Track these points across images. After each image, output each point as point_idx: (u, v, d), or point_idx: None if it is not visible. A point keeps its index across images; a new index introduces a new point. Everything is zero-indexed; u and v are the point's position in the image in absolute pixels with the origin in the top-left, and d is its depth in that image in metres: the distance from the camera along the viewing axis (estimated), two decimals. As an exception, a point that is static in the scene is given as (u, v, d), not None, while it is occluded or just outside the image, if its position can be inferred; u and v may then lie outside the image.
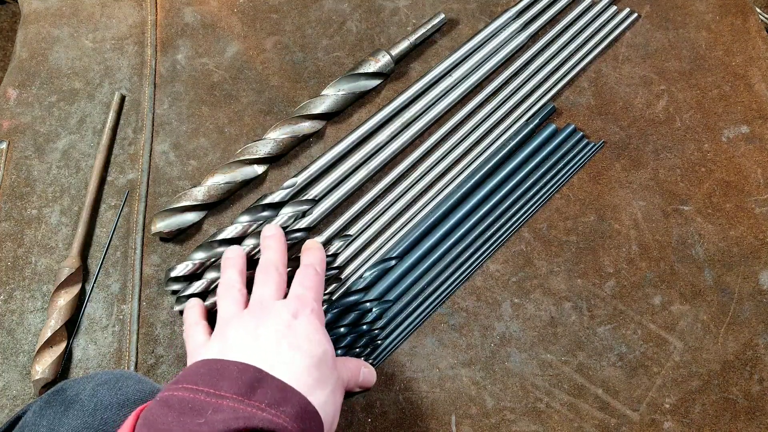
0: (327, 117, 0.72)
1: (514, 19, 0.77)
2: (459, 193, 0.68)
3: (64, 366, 0.61)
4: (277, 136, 0.69)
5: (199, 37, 0.78)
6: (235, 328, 0.49)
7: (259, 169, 0.69)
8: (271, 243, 0.59)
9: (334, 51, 0.77)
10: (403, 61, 0.76)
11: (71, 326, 0.63)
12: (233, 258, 0.59)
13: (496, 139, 0.71)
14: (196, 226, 0.67)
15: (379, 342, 0.61)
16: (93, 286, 0.65)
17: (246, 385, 0.40)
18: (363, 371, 0.57)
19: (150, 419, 0.37)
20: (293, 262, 0.63)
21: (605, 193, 0.70)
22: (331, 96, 0.71)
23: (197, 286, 0.61)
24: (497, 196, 0.68)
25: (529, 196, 0.68)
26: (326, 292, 0.63)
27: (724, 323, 0.64)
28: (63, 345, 0.61)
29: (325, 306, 0.62)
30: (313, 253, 0.59)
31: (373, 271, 0.64)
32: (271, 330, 0.47)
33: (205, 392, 0.38)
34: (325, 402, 0.45)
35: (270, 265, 0.56)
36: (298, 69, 0.76)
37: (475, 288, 0.65)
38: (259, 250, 0.63)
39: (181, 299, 0.61)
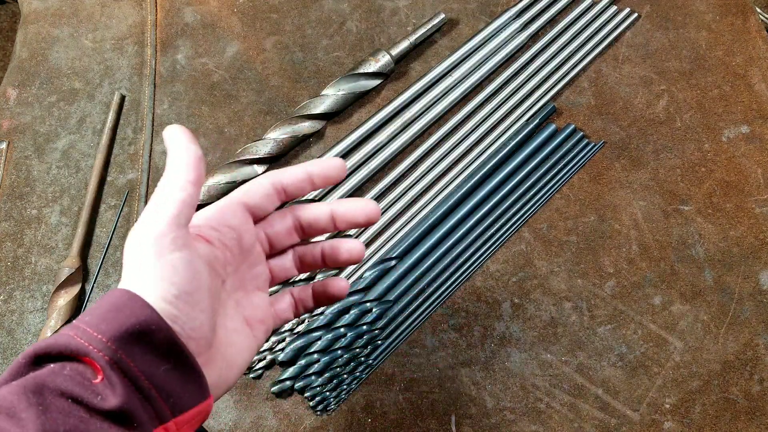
0: (327, 117, 0.72)
1: (514, 19, 0.77)
2: (459, 193, 0.68)
3: (64, 366, 0.61)
4: (277, 136, 0.69)
5: (199, 37, 0.78)
6: None
7: (259, 169, 0.68)
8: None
9: (334, 51, 0.77)
10: (403, 61, 0.76)
11: (71, 326, 0.63)
12: None
13: (497, 139, 0.71)
14: (196, 226, 0.67)
15: (379, 342, 0.61)
16: (93, 286, 0.65)
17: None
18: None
19: None
20: None
21: (605, 193, 0.70)
22: (331, 96, 0.71)
23: (197, 286, 0.61)
24: (497, 196, 0.68)
25: (529, 196, 0.68)
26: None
27: (724, 323, 0.64)
28: (63, 345, 0.60)
29: (323, 308, 0.62)
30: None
31: (373, 271, 0.64)
32: None
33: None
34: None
35: None
36: (298, 69, 0.76)
37: (475, 288, 0.65)
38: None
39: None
